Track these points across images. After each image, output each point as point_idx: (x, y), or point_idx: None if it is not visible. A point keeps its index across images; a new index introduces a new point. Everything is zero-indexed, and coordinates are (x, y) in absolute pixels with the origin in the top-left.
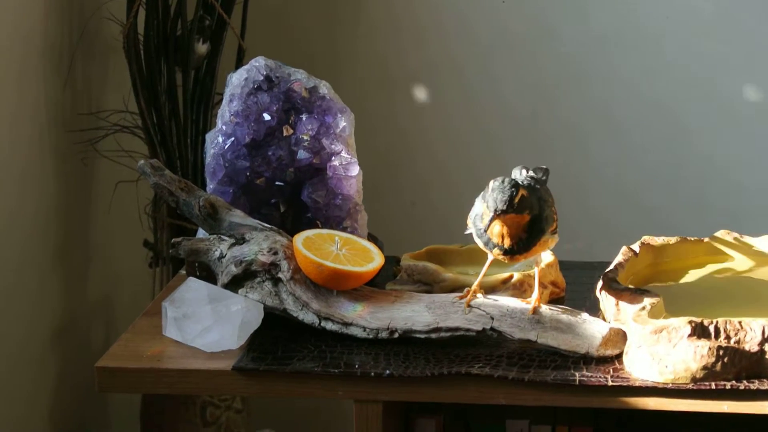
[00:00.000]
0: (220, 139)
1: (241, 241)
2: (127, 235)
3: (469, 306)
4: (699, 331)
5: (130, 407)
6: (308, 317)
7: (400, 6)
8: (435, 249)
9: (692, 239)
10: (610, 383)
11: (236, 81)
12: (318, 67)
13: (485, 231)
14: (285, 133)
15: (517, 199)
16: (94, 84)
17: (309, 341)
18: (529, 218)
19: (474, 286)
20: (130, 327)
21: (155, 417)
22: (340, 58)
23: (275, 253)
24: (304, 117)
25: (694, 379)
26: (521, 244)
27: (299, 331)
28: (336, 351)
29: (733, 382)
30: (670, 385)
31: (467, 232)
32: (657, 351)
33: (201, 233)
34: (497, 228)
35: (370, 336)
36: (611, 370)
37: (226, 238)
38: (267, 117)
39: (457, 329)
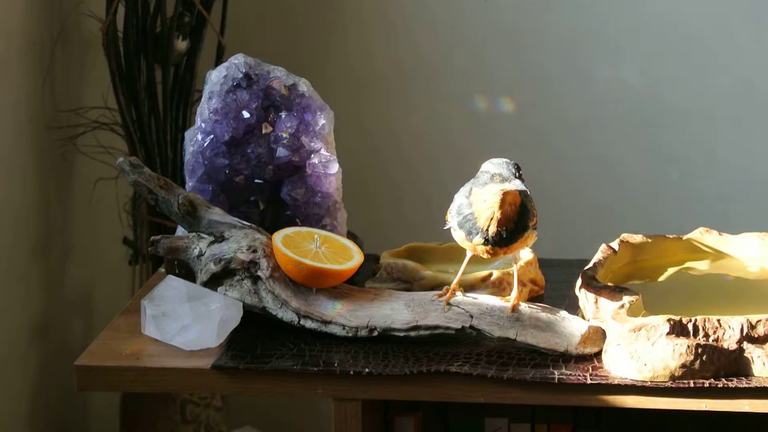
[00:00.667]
0: (200, 137)
1: (220, 239)
2: (106, 233)
3: (448, 304)
4: (678, 329)
5: (109, 405)
6: (287, 315)
7: (383, 2)
8: (414, 247)
9: (671, 237)
10: (589, 381)
11: (215, 78)
12: (297, 65)
13: (484, 201)
14: (264, 131)
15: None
16: (73, 80)
17: (288, 339)
18: (519, 207)
19: (453, 284)
20: (109, 325)
21: (135, 415)
22: (319, 55)
23: (254, 251)
24: (283, 114)
25: (672, 377)
26: (506, 234)
27: (278, 330)
28: (315, 349)
29: (712, 380)
30: (649, 383)
31: (446, 227)
32: (636, 349)
33: (180, 231)
34: (493, 204)
35: (350, 334)
36: (590, 368)
37: (206, 236)
38: (246, 114)
39: (436, 327)
